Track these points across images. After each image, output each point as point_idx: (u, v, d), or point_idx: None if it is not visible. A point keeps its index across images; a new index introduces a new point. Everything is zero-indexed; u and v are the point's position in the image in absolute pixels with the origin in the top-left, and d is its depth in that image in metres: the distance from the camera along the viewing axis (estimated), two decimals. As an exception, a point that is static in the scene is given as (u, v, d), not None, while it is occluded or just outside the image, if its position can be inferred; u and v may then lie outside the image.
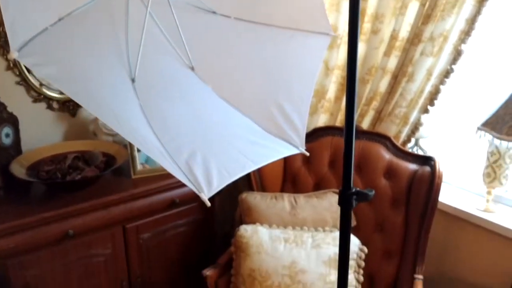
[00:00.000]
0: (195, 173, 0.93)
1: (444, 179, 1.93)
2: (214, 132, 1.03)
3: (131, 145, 2.05)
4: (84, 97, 0.90)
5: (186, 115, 1.00)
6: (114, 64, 0.99)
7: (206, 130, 1.01)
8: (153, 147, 0.94)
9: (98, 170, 1.95)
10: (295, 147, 1.13)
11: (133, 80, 1.01)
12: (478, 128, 1.57)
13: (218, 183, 0.95)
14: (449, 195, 2.14)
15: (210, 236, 2.27)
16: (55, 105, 2.15)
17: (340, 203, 0.91)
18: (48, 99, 2.13)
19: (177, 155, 0.93)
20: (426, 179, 1.93)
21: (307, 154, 1.11)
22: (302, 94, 1.16)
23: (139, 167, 2.06)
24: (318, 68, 1.24)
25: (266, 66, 1.16)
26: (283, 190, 2.20)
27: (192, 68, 1.15)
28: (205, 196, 0.93)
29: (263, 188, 2.17)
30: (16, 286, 1.74)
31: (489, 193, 2.00)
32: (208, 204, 0.96)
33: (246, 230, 1.94)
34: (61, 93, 2.14)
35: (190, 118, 0.99)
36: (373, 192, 0.91)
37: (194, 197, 2.15)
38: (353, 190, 0.90)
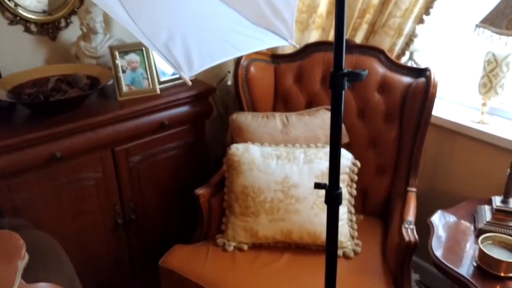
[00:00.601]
0: (174, 54, 0.87)
1: (438, 93, 1.88)
2: (197, 20, 0.96)
3: (115, 67, 1.98)
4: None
5: (164, 2, 0.92)
6: None
7: (187, 17, 0.94)
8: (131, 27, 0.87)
9: (82, 92, 1.89)
10: (284, 39, 1.06)
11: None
12: (477, 26, 1.50)
13: (200, 65, 0.90)
14: (443, 110, 2.10)
15: (202, 159, 2.24)
16: (33, 27, 2.05)
17: (331, 85, 0.86)
18: (25, 21, 2.02)
19: (155, 37, 0.87)
20: (421, 91, 1.88)
21: (297, 46, 1.04)
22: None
23: (124, 88, 1.99)
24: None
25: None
26: (274, 110, 2.15)
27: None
28: (185, 75, 0.88)
29: (254, 109, 2.12)
30: (5, 209, 1.72)
31: (484, 104, 1.96)
32: (189, 83, 0.91)
33: (237, 149, 1.91)
34: (38, 14, 2.03)
35: (168, 4, 0.92)
36: (366, 72, 0.86)
37: (184, 120, 2.12)
38: (345, 70, 0.85)
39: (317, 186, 1.00)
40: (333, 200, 0.98)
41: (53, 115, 1.82)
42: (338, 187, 0.98)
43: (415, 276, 2.21)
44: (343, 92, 0.88)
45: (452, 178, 2.10)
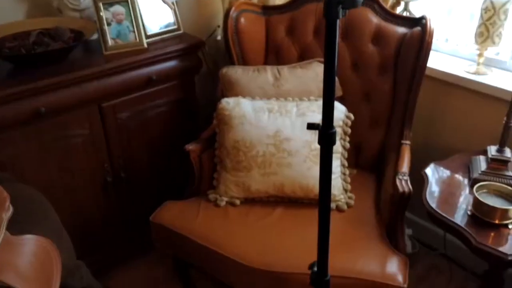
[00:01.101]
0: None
1: (433, 46, 1.83)
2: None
3: (99, 19, 1.90)
4: None
5: None
6: None
7: None
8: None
9: (66, 45, 1.81)
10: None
11: None
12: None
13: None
14: (438, 62, 2.05)
15: (192, 115, 2.19)
16: (10, -21, 1.95)
17: (325, 13, 0.81)
18: (3, -27, 1.93)
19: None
20: (416, 40, 1.82)
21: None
22: None
23: (110, 42, 1.91)
24: None
25: None
26: (266, 63, 2.09)
27: None
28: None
29: (244, 62, 2.06)
30: (-9, 166, 1.67)
31: (480, 55, 1.91)
32: (172, 6, 0.85)
33: (228, 103, 1.86)
34: (16, -36, 1.93)
35: None
36: (362, -3, 0.80)
37: (172, 75, 2.06)
38: (339, -3, 0.79)
39: (310, 126, 0.96)
40: (326, 139, 0.94)
41: (36, 69, 1.74)
42: (331, 127, 0.94)
43: (407, 231, 2.21)
44: (338, 22, 0.83)
45: (446, 131, 2.07)
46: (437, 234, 2.23)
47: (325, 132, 0.93)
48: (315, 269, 1.13)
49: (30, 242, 1.19)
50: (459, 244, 2.14)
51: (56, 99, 1.74)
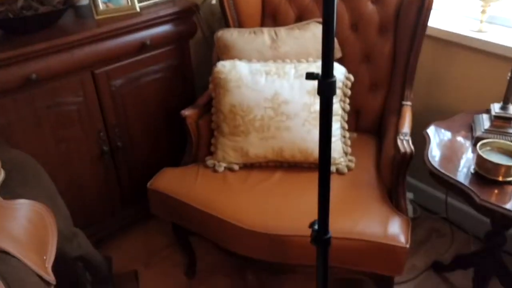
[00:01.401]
0: None
1: (434, 5, 1.77)
2: None
3: (89, -18, 1.83)
4: None
5: None
6: None
7: None
8: None
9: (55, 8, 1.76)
10: None
11: None
12: None
13: None
14: (439, 20, 1.99)
15: (188, 82, 2.15)
16: None
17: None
18: None
19: None
20: (417, -2, 1.76)
21: None
22: None
23: (101, 6, 1.86)
24: None
25: None
26: (263, 26, 2.03)
27: None
28: None
29: (240, 25, 2.00)
30: (-17, 133, 1.64)
31: (483, 12, 1.85)
32: None
33: (224, 66, 1.81)
34: None
35: None
36: None
37: (167, 39, 2.00)
38: None
39: (309, 76, 0.92)
40: (326, 88, 0.90)
41: (25, 35, 1.70)
42: (332, 75, 0.90)
43: (409, 195, 2.19)
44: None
45: (448, 92, 2.03)
46: (438, 198, 2.21)
47: (324, 81, 0.89)
48: (316, 227, 1.10)
49: (23, 207, 1.16)
50: (460, 208, 2.14)
51: (47, 65, 1.69)
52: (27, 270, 0.97)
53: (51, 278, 1.10)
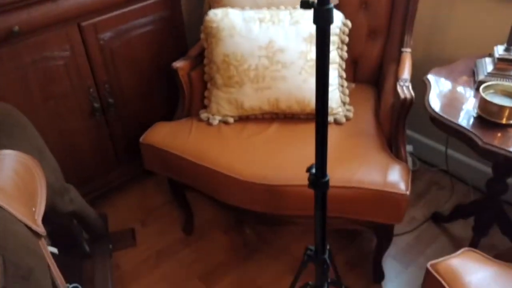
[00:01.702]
0: None
1: None
2: None
3: None
4: None
5: None
6: None
7: None
8: None
9: (35, -44, 1.66)
10: None
11: None
12: None
13: None
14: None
15: (179, 34, 2.07)
16: None
17: None
18: None
19: None
20: None
21: None
22: None
23: (84, -47, 1.75)
24: None
25: None
26: (255, -26, 1.94)
27: None
28: None
29: (232, -27, 1.90)
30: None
31: (486, -49, 1.76)
32: None
33: (215, 14, 1.73)
34: None
35: None
36: None
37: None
38: None
39: (304, 5, 0.85)
40: (322, 18, 0.84)
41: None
42: (328, 2, 0.83)
43: (408, 147, 2.14)
44: None
45: (450, 39, 1.95)
46: (438, 150, 2.18)
47: (321, 8, 0.82)
48: (313, 171, 1.06)
49: (8, 158, 1.12)
50: (460, 159, 2.10)
51: (29, 17, 1.61)
52: (12, 220, 0.93)
53: (40, 229, 1.06)
